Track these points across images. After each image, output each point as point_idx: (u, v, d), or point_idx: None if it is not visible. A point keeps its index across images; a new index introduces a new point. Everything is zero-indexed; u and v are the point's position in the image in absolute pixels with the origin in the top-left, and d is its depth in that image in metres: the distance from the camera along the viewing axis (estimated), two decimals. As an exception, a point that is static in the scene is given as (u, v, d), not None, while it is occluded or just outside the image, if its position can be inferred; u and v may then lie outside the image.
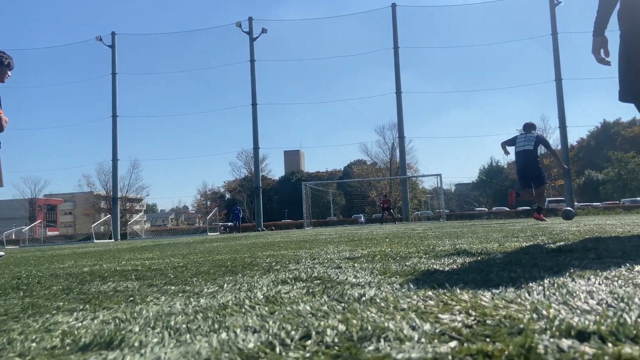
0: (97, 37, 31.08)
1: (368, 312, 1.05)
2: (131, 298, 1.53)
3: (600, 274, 1.44)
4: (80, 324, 1.13)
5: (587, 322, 0.85)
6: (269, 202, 68.05)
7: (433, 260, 2.17)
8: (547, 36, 27.57)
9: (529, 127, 9.88)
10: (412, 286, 1.41)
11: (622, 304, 0.99)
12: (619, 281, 1.29)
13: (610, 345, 0.72)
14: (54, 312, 1.34)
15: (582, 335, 0.78)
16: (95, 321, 1.15)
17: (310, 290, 1.44)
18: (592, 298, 1.07)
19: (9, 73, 5.13)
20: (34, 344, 0.96)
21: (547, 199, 52.71)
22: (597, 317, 0.89)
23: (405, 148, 30.87)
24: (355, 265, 2.18)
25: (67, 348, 0.90)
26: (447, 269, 1.81)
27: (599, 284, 1.27)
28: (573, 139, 71.69)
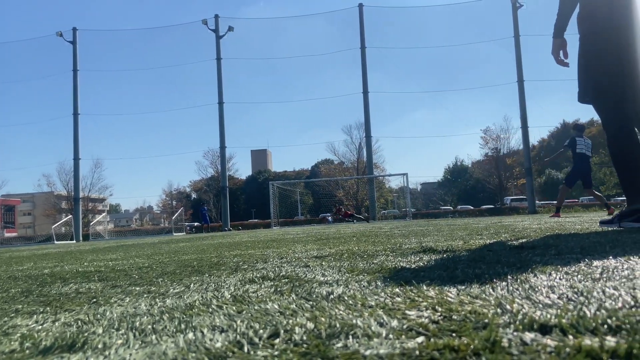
0: (57, 32, 30.23)
1: (336, 310, 1.05)
2: (94, 299, 1.49)
3: (560, 269, 1.48)
4: (40, 327, 1.09)
5: (549, 316, 0.87)
6: (235, 202, 67.49)
7: (400, 258, 2.19)
8: (509, 38, 28.25)
9: (583, 129, 10.85)
10: (379, 283, 1.42)
11: (581, 298, 1.03)
12: (579, 276, 1.33)
13: (571, 337, 0.74)
14: (12, 315, 1.30)
15: (544, 329, 0.80)
16: (57, 324, 1.12)
17: (278, 289, 1.43)
18: (554, 292, 1.10)
19: None
20: (-9, 348, 0.92)
21: (510, 197, 54.07)
22: (559, 310, 0.91)
23: (372, 147, 31.12)
24: (323, 263, 2.18)
25: (27, 352, 0.87)
26: (413, 266, 1.83)
27: (560, 279, 1.30)
28: (534, 138, 73.76)
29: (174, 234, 25.97)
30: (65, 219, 35.21)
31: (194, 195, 74.77)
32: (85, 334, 0.96)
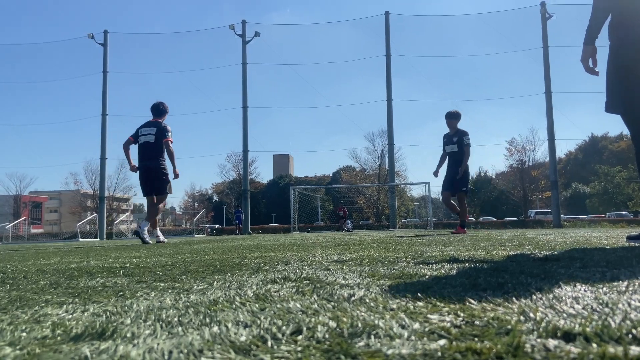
0: (89, 34, 30.88)
1: (357, 311, 1.06)
2: (121, 293, 1.52)
3: (585, 281, 1.47)
4: (70, 316, 1.12)
5: (573, 324, 0.87)
6: (256, 206, 67.87)
7: (421, 265, 2.19)
8: (538, 49, 27.86)
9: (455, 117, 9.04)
10: (400, 288, 1.42)
11: (606, 309, 1.02)
12: (604, 288, 1.31)
13: (595, 345, 0.74)
14: (43, 304, 1.34)
15: (568, 336, 0.80)
16: (86, 314, 1.15)
17: (300, 290, 1.45)
18: (578, 303, 1.10)
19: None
20: (24, 334, 0.95)
21: (534, 210, 53.06)
22: (583, 320, 0.91)
23: (394, 155, 30.98)
24: (344, 267, 2.19)
25: (59, 338, 0.90)
26: (435, 273, 1.83)
27: (585, 290, 1.29)
28: (561, 151, 72.47)
29: (195, 235, 26.25)
30: (90, 217, 35.84)
31: (215, 198, 75.45)
32: (114, 324, 0.99)
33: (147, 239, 7.79)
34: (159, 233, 8.14)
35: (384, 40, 29.49)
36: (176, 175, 8.18)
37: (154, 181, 8.04)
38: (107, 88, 30.97)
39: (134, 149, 8.26)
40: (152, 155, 7.98)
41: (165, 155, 8.04)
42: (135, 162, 8.25)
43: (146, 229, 7.89)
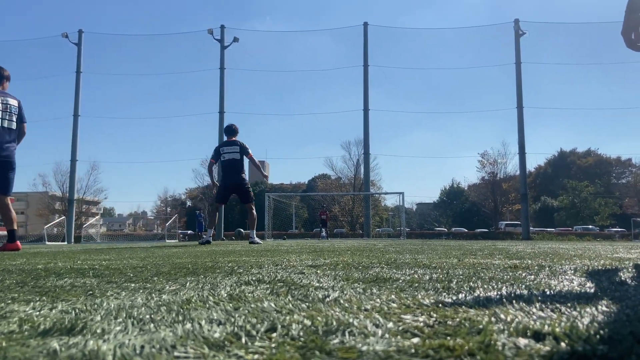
0: (63, 33, 30.34)
1: (332, 311, 1.06)
2: (90, 292, 1.49)
3: (554, 288, 1.50)
4: (38, 313, 1.10)
5: (542, 325, 0.88)
6: (230, 212, 67.29)
7: (395, 270, 2.20)
8: (511, 64, 28.48)
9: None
10: (374, 291, 1.43)
11: (574, 313, 1.04)
12: (572, 294, 1.35)
13: (564, 344, 0.76)
14: (9, 301, 1.30)
15: (538, 336, 0.81)
16: (54, 311, 1.12)
17: (275, 291, 1.44)
18: (547, 307, 1.12)
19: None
20: (-11, 330, 0.92)
21: (504, 222, 53.90)
22: (552, 321, 0.93)
23: (369, 165, 31.19)
24: (318, 272, 2.19)
25: (26, 333, 0.87)
26: (408, 278, 1.84)
27: (553, 296, 1.32)
28: (531, 165, 73.95)
29: (167, 240, 25.89)
30: (58, 220, 35.01)
31: (189, 203, 74.59)
32: (84, 321, 0.97)
33: (259, 241, 9.30)
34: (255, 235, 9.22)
35: (362, 50, 29.76)
36: (266, 177, 10.74)
37: (244, 193, 9.34)
38: (80, 88, 30.42)
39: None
40: (238, 170, 9.36)
41: (246, 169, 9.50)
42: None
43: (255, 236, 9.19)
